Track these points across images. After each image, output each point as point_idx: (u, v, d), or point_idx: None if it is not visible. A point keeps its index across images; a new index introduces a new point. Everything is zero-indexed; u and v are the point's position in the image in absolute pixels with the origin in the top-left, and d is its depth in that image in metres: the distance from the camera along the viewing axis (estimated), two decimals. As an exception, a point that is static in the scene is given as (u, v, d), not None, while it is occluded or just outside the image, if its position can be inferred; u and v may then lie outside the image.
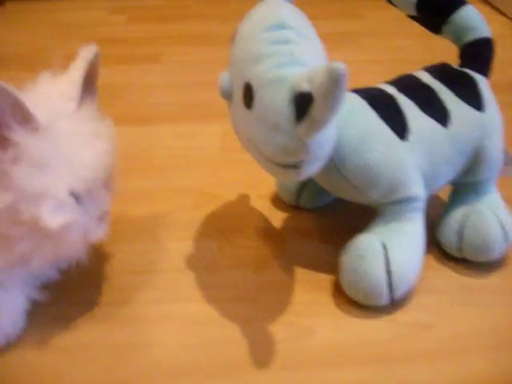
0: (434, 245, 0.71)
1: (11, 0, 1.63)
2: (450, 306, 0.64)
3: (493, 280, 0.67)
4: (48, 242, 0.54)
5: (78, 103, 0.56)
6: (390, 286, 0.61)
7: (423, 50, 1.23)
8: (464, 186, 0.70)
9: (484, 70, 0.69)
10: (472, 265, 0.68)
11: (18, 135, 0.50)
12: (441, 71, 0.69)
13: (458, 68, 0.69)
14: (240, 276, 0.68)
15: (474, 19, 0.68)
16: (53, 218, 0.51)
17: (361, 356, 0.59)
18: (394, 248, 0.61)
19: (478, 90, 0.67)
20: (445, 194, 0.75)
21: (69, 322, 0.63)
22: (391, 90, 0.66)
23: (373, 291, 0.61)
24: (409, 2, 0.68)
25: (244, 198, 0.80)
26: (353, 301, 0.64)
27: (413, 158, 0.62)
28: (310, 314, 0.63)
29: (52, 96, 0.55)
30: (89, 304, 0.65)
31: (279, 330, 0.62)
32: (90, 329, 0.62)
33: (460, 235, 0.67)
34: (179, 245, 0.73)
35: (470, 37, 0.68)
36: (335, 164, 0.60)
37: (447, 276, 0.68)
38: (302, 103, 0.47)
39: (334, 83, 0.43)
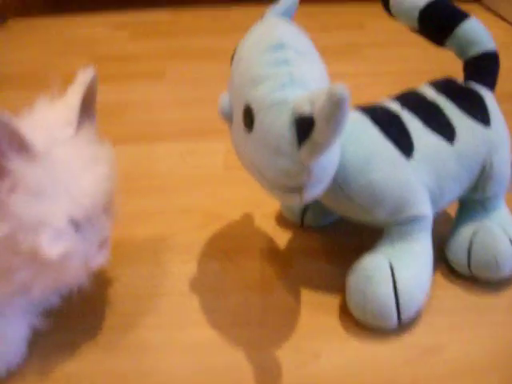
0: (442, 262, 0.69)
1: (13, 17, 1.63)
2: (459, 327, 0.62)
3: (503, 298, 0.66)
4: (48, 270, 0.53)
5: (76, 128, 0.55)
6: (398, 307, 0.59)
7: (427, 60, 1.22)
8: (472, 202, 0.68)
9: (489, 84, 0.68)
10: (481, 283, 0.67)
11: (15, 164, 0.49)
12: (445, 86, 0.67)
13: (463, 82, 0.68)
14: (244, 299, 0.67)
15: (478, 33, 0.66)
16: (52, 246, 0.50)
17: (368, 381, 0.57)
18: (401, 268, 0.60)
19: (484, 105, 0.66)
20: (452, 210, 0.73)
21: (71, 349, 0.62)
22: (395, 106, 0.64)
23: (381, 313, 0.59)
24: (411, 15, 0.68)
25: (248, 218, 0.79)
26: (360, 323, 0.62)
27: (419, 176, 0.61)
28: (316, 338, 0.62)
29: (49, 121, 0.55)
30: (92, 330, 0.64)
31: (285, 354, 0.60)
32: (93, 356, 0.61)
33: (469, 253, 0.66)
34: (182, 267, 0.72)
35: (474, 51, 0.67)
36: (339, 184, 0.59)
37: (456, 295, 0.66)
38: (304, 126, 0.46)
39: (335, 106, 0.42)
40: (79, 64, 1.31)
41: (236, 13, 1.56)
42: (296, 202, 0.53)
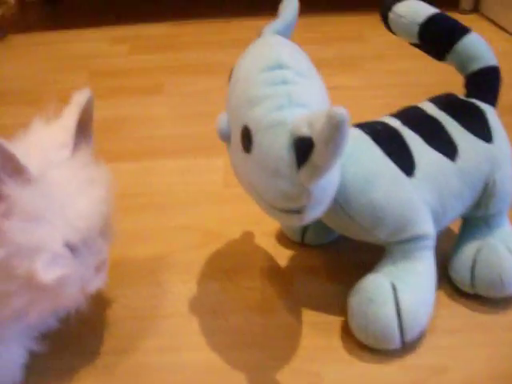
0: (446, 280, 0.68)
1: (13, 32, 1.63)
2: (464, 347, 0.61)
3: (508, 316, 0.65)
4: (44, 295, 0.52)
5: (72, 150, 0.55)
6: (401, 328, 0.58)
7: (428, 73, 1.21)
8: (475, 219, 0.67)
9: (491, 100, 0.67)
10: (486, 301, 0.66)
11: (10, 188, 0.48)
12: (446, 102, 0.67)
13: (464, 98, 0.67)
14: (245, 320, 0.66)
15: (479, 48, 0.66)
16: (48, 271, 0.50)
17: (372, 405, 0.56)
18: (404, 289, 0.59)
19: (486, 121, 0.65)
20: (456, 226, 0.72)
21: (70, 373, 0.61)
22: (395, 123, 0.64)
23: (383, 335, 0.58)
24: (411, 31, 0.67)
25: (248, 236, 0.78)
26: (363, 344, 0.61)
27: (420, 194, 0.60)
28: (318, 360, 0.61)
29: (45, 143, 0.54)
30: (90, 354, 0.63)
31: (287, 377, 0.59)
32: (91, 380, 0.60)
33: (472, 271, 0.65)
34: (182, 288, 0.71)
35: (475, 66, 0.66)
36: (340, 204, 0.58)
37: (460, 314, 0.65)
38: (303, 148, 0.45)
39: (334, 129, 0.41)
40: (78, 79, 1.32)
41: (235, 27, 1.56)
42: (295, 224, 0.53)
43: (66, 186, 0.52)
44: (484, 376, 0.58)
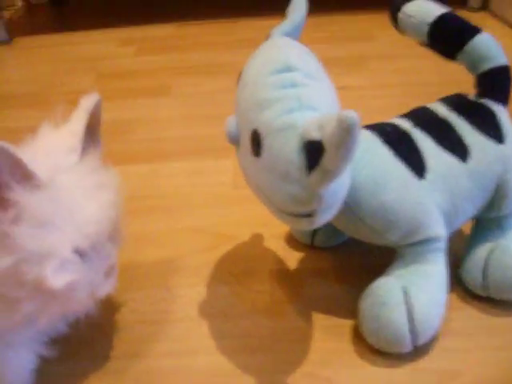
0: (457, 283, 0.67)
1: (20, 36, 1.63)
2: (477, 350, 0.61)
3: (521, 319, 0.64)
4: (54, 301, 0.51)
5: (81, 154, 0.54)
6: (413, 332, 0.58)
7: (437, 71, 1.20)
8: (487, 221, 0.67)
9: (502, 100, 0.66)
10: (498, 304, 0.65)
11: (18, 194, 0.47)
12: (457, 103, 0.66)
13: (475, 98, 0.67)
14: (254, 324, 0.65)
15: (490, 48, 0.65)
16: (57, 277, 0.49)
17: (384, 410, 0.56)
18: (415, 292, 0.58)
19: (497, 121, 0.64)
20: (468, 228, 0.71)
21: (80, 378, 0.61)
22: (405, 124, 0.63)
23: (395, 339, 0.58)
24: (421, 30, 0.66)
25: (257, 238, 0.78)
26: (374, 348, 0.60)
27: (432, 196, 0.59)
28: (329, 364, 0.60)
29: (53, 148, 0.53)
30: (100, 358, 0.63)
31: (298, 381, 0.59)
32: (102, 386, 0.60)
33: (484, 273, 0.64)
34: (191, 291, 0.70)
35: (486, 66, 0.65)
36: (350, 207, 0.57)
37: (472, 317, 0.64)
38: (313, 152, 0.45)
39: (345, 133, 0.40)
40: (85, 81, 1.32)
41: (242, 27, 1.56)
42: (305, 228, 0.52)
43: (74, 191, 0.51)
44: (496, 380, 0.57)
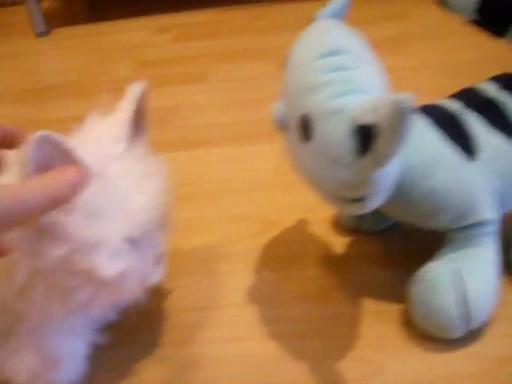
0: (509, 266, 0.66)
1: (58, 26, 1.65)
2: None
3: None
4: (105, 289, 0.52)
5: (128, 143, 0.54)
6: (465, 317, 0.56)
7: (480, 49, 1.17)
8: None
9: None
10: (552, 287, 0.63)
11: None
12: (506, 82, 0.64)
13: (526, 77, 0.65)
14: (302, 309, 0.65)
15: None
16: (109, 266, 0.49)
17: (438, 395, 0.55)
18: (467, 277, 0.57)
19: (548, 100, 0.62)
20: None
21: (130, 365, 0.62)
22: (455, 105, 0.61)
23: (447, 325, 0.57)
24: (468, 7, 0.64)
25: (302, 224, 0.77)
26: (424, 333, 0.60)
27: (484, 178, 0.58)
28: (379, 349, 0.60)
29: (101, 138, 0.54)
30: (149, 346, 0.63)
31: (348, 367, 0.58)
32: (152, 372, 0.61)
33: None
34: (237, 278, 0.70)
35: (538, 44, 0.63)
36: (399, 190, 0.56)
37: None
38: (365, 136, 0.44)
39: (400, 117, 0.40)
40: (124, 69, 1.33)
41: (277, 10, 1.54)
42: (357, 212, 0.51)
43: (124, 179, 0.51)
44: (553, 365, 0.56)
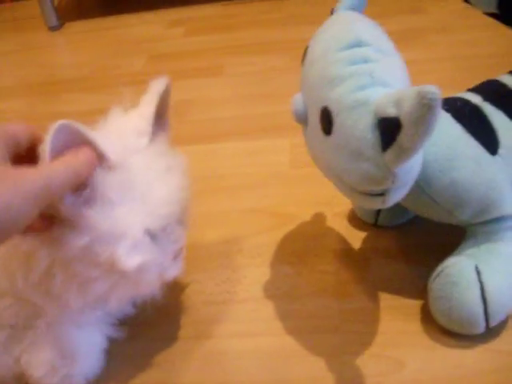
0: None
1: (70, 20, 1.65)
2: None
3: None
4: (125, 282, 0.52)
5: (151, 138, 0.54)
6: (487, 313, 0.56)
7: (496, 43, 1.15)
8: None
9: None
10: None
11: (92, 175, 0.48)
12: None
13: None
14: (321, 304, 0.65)
15: None
16: (129, 258, 0.49)
17: (457, 391, 0.55)
18: (488, 272, 0.56)
19: None
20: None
21: (147, 359, 0.62)
22: (476, 99, 0.61)
23: (468, 320, 0.56)
24: (490, 1, 0.63)
25: (319, 217, 0.77)
26: (444, 328, 0.59)
27: (505, 172, 0.57)
28: (398, 345, 0.59)
29: (123, 132, 0.54)
30: (166, 340, 0.63)
31: (367, 363, 0.58)
32: (170, 366, 0.61)
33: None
34: (255, 271, 0.70)
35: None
36: (420, 184, 0.56)
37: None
38: (388, 129, 0.43)
39: (426, 109, 0.39)
40: (137, 63, 1.32)
41: (290, 3, 1.52)
42: (377, 207, 0.51)
43: (145, 173, 0.51)
44: None
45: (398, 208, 0.68)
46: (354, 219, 0.76)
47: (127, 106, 0.55)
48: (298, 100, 0.53)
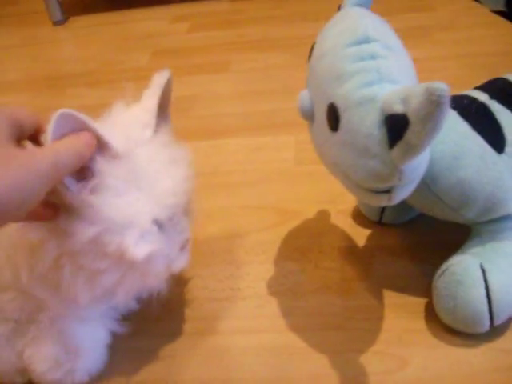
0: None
1: (74, 15, 1.65)
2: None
3: None
4: (132, 273, 0.52)
5: (155, 130, 0.54)
6: (491, 312, 0.56)
7: (501, 41, 1.15)
8: None
9: None
10: None
11: (97, 163, 0.48)
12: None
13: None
14: (325, 301, 0.64)
15: None
16: (138, 247, 0.49)
17: (461, 390, 0.54)
18: (493, 271, 0.56)
19: None
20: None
21: (149, 355, 0.62)
22: (482, 97, 0.60)
23: (473, 319, 0.56)
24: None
25: (324, 215, 0.76)
26: (448, 327, 0.59)
27: (511, 171, 0.57)
28: (402, 343, 0.59)
29: (128, 124, 0.54)
30: (169, 336, 0.63)
31: (370, 360, 0.58)
32: (172, 361, 0.61)
33: None
34: (258, 268, 0.70)
35: None
36: (426, 182, 0.55)
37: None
38: (395, 126, 0.43)
39: (434, 106, 0.39)
40: (141, 58, 1.32)
41: (295, 0, 1.52)
42: (384, 204, 0.51)
43: (151, 163, 0.51)
44: None
45: (403, 206, 0.68)
46: (359, 217, 0.75)
47: (130, 100, 0.55)
48: (304, 96, 0.53)
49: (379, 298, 0.64)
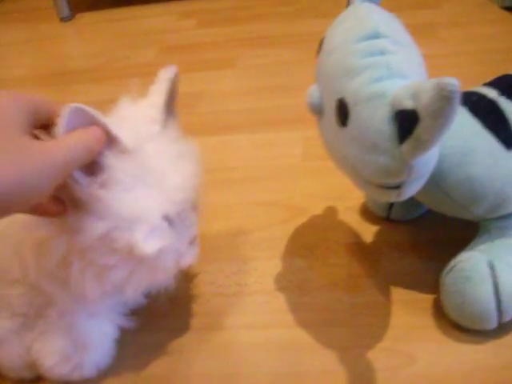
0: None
1: (81, 11, 1.65)
2: None
3: None
4: (142, 269, 0.52)
5: (163, 126, 0.54)
6: (499, 309, 0.56)
7: (509, 37, 1.15)
8: None
9: None
10: None
11: (108, 158, 0.48)
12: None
13: None
14: (332, 297, 0.64)
15: None
16: (148, 243, 0.49)
17: (468, 386, 0.54)
18: (502, 267, 0.56)
19: None
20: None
21: (157, 349, 0.62)
22: (492, 93, 0.60)
23: (481, 316, 0.56)
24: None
25: (331, 211, 0.76)
26: (456, 323, 0.59)
27: (520, 168, 0.57)
28: (410, 339, 0.59)
29: (136, 119, 0.54)
30: (176, 331, 0.64)
31: (377, 357, 0.58)
32: (179, 356, 0.61)
33: None
34: (266, 264, 0.70)
35: None
36: (435, 179, 0.55)
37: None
38: (405, 121, 0.43)
39: (445, 101, 0.39)
40: (148, 55, 1.32)
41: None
42: (393, 200, 0.51)
43: (160, 158, 0.51)
44: None
45: (411, 202, 0.68)
46: (366, 213, 0.75)
47: (136, 96, 0.55)
48: (313, 91, 0.53)
49: (387, 294, 0.64)
